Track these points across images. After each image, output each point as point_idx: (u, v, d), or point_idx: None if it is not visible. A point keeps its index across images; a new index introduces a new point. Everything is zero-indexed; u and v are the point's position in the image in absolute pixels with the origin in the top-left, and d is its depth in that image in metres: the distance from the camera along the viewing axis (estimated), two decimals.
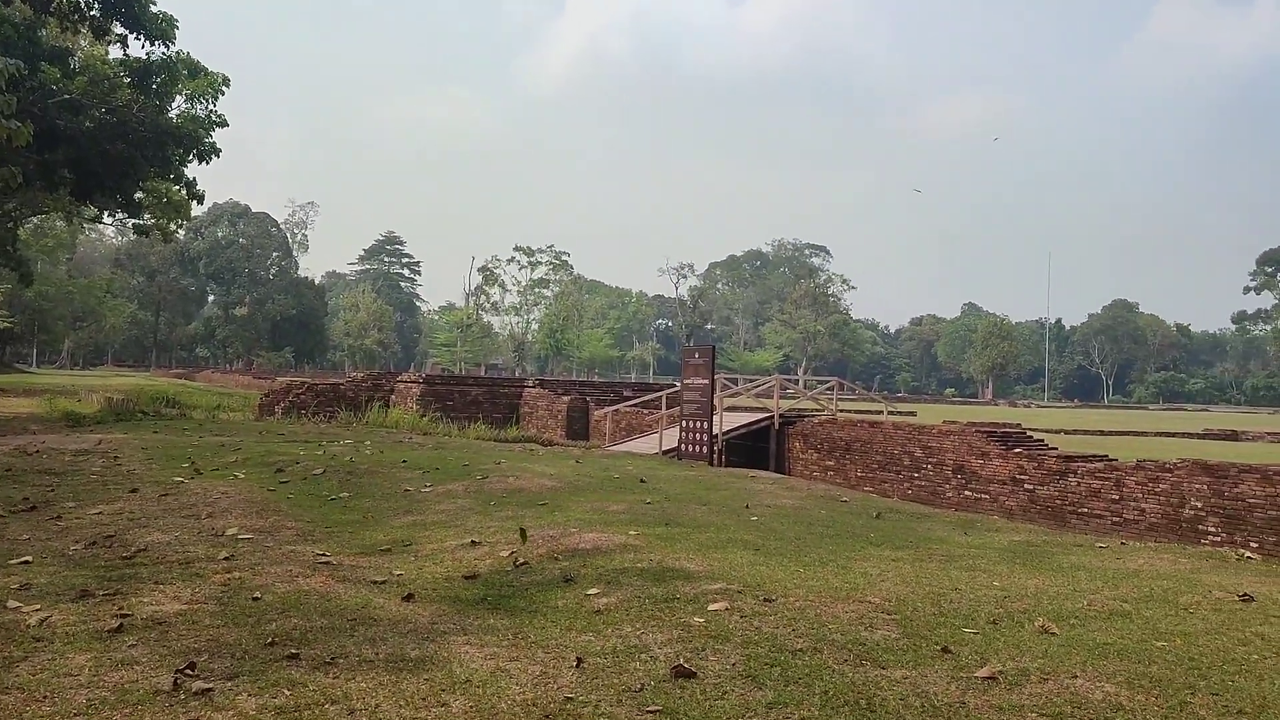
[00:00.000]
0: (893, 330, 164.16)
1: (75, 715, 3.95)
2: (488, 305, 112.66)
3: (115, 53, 24.57)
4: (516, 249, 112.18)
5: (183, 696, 4.17)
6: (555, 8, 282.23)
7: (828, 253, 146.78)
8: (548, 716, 4.07)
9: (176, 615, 5.50)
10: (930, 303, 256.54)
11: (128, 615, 5.42)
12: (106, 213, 33.40)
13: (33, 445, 15.07)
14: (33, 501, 9.97)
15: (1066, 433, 28.47)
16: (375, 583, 6.66)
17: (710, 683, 4.51)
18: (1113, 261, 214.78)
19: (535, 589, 6.62)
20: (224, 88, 25.14)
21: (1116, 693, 4.49)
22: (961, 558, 8.20)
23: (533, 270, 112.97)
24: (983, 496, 15.04)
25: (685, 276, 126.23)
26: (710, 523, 9.56)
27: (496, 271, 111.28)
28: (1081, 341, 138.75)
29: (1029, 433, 16.39)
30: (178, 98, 24.85)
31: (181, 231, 61.86)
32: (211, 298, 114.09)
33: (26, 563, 6.95)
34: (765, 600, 6.09)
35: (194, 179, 26.92)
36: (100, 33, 22.16)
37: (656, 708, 4.16)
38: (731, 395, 23.39)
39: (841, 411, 23.31)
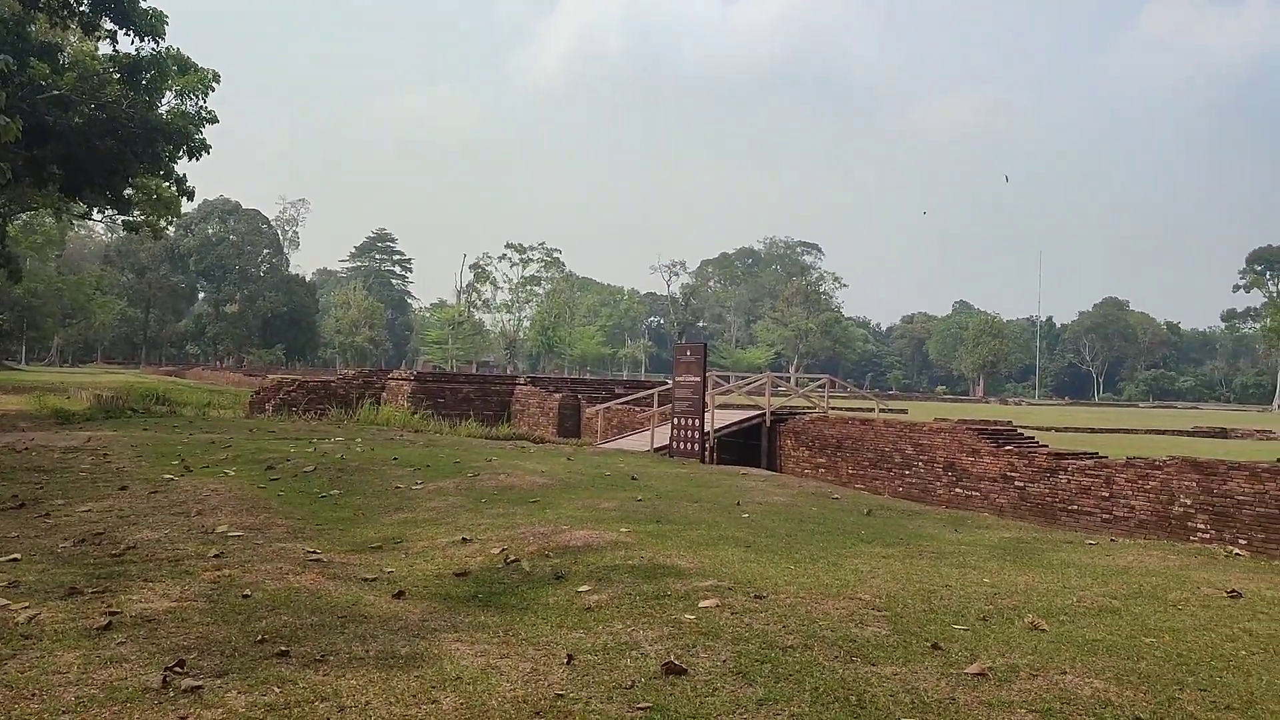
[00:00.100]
0: (884, 328, 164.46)
1: (64, 713, 3.93)
2: (479, 303, 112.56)
3: (104, 48, 24.50)
4: (508, 246, 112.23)
5: (172, 694, 4.16)
6: (548, 5, 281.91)
7: (819, 250, 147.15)
8: (538, 713, 4.07)
9: (166, 613, 5.48)
10: (921, 301, 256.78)
11: (117, 613, 5.40)
12: (96, 209, 33.23)
13: (21, 442, 15.00)
14: (21, 499, 9.94)
15: (1057, 430, 28.57)
16: (366, 580, 6.66)
17: (701, 679, 4.51)
18: (1103, 260, 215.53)
19: (526, 586, 6.62)
20: (214, 84, 25.04)
21: (1105, 689, 4.51)
22: (952, 555, 8.22)
23: (524, 267, 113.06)
24: (973, 494, 15.08)
25: (677, 274, 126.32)
26: (701, 520, 9.57)
27: (488, 269, 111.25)
28: (1072, 339, 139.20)
29: (1019, 430, 16.45)
30: (167, 94, 24.72)
31: (171, 228, 61.56)
32: (202, 295, 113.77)
33: (15, 560, 6.92)
34: (756, 597, 6.10)
35: (184, 175, 26.78)
36: (89, 28, 22.04)
37: (647, 704, 4.16)
38: (723, 393, 23.41)
39: (833, 409, 23.35)
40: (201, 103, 24.96)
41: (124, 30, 22.32)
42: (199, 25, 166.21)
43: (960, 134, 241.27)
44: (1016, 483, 14.38)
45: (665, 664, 4.67)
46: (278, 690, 4.24)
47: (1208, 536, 11.48)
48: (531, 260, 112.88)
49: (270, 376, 49.58)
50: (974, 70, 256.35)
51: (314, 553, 7.56)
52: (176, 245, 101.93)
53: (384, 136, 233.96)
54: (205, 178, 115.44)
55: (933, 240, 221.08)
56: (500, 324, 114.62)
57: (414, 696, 4.24)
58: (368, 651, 4.91)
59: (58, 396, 28.12)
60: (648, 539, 8.13)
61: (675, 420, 20.03)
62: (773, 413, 21.29)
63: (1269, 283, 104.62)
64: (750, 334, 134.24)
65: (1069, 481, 13.53)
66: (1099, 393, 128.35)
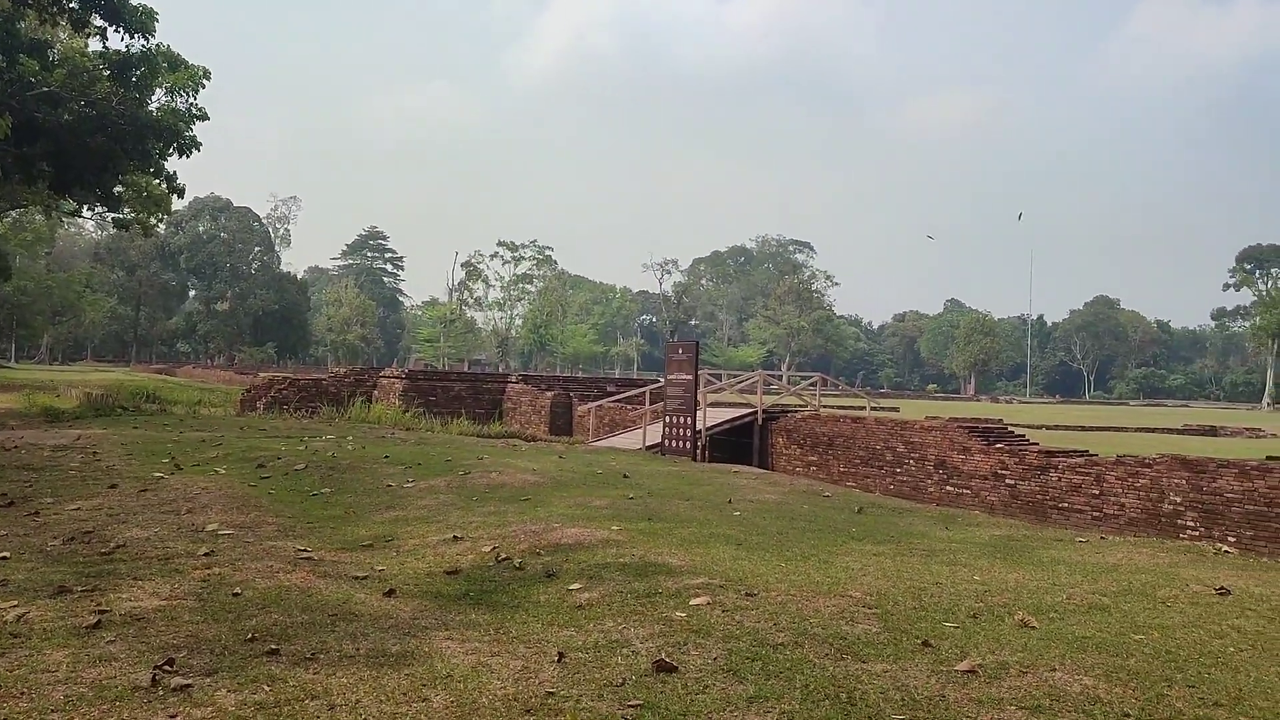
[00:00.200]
0: (876, 326, 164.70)
1: (53, 711, 3.92)
2: (471, 300, 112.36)
3: (94, 45, 24.38)
4: (500, 244, 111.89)
5: (161, 693, 4.15)
6: (541, 3, 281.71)
7: (811, 249, 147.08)
8: (529, 711, 4.07)
9: (155, 611, 5.46)
10: (913, 299, 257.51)
11: (106, 611, 5.39)
12: (86, 206, 33.10)
13: (10, 440, 14.93)
14: (10, 497, 9.89)
15: (1048, 428, 28.63)
16: (356, 578, 6.65)
17: (691, 677, 4.51)
18: (1094, 258, 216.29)
19: (517, 584, 6.62)
20: (204, 81, 24.96)
21: (1095, 685, 4.53)
22: (942, 552, 8.23)
23: (516, 265, 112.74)
24: (964, 492, 15.11)
25: (669, 272, 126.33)
26: (693, 518, 9.58)
27: (480, 267, 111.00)
28: (1063, 338, 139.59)
29: (1010, 428, 16.49)
30: (157, 91, 24.64)
31: (162, 226, 61.29)
32: (193, 292, 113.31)
33: (4, 559, 6.90)
34: (747, 595, 6.11)
35: (174, 173, 26.72)
36: (79, 25, 21.97)
37: (638, 702, 4.17)
38: (715, 391, 23.43)
39: (824, 407, 23.37)
40: (192, 100, 24.89)
41: (114, 27, 22.25)
42: (191, 22, 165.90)
43: (952, 133, 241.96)
44: (1007, 480, 14.42)
45: (656, 662, 4.67)
46: (268, 689, 4.24)
47: (1197, 534, 11.53)
48: (523, 258, 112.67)
49: (261, 374, 49.45)
50: (967, 70, 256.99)
51: (305, 551, 7.54)
52: (167, 243, 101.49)
53: (376, 134, 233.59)
54: (196, 175, 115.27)
55: (924, 239, 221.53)
56: (492, 322, 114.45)
57: (405, 694, 4.24)
58: (358, 650, 4.90)
59: (47, 394, 28.01)
60: (639, 537, 8.13)
61: (667, 418, 20.04)
62: (764, 411, 21.31)
63: (1258, 281, 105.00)
64: (742, 332, 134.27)
65: (1059, 479, 13.57)
66: (1090, 391, 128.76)
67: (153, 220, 32.40)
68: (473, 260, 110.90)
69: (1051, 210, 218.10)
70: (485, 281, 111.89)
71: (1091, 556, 8.34)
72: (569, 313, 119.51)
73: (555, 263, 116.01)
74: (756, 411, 21.25)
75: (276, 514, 9.42)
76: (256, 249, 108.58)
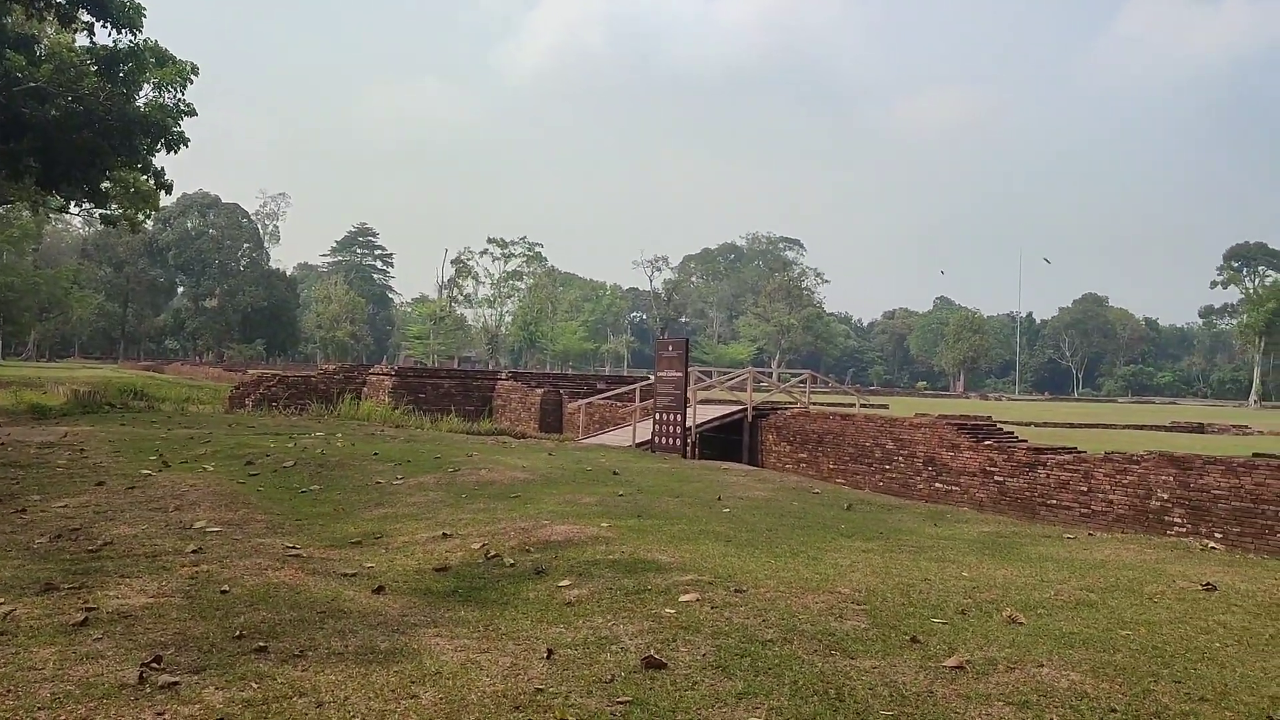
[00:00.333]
0: (866, 324, 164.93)
1: (39, 709, 3.90)
2: (461, 297, 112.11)
3: (82, 40, 24.21)
4: (490, 241, 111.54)
5: (148, 690, 4.13)
6: (531, 0, 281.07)
7: (801, 246, 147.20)
8: (518, 708, 4.07)
9: (143, 608, 5.44)
10: (903, 296, 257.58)
11: (93, 609, 5.36)
12: (73, 202, 32.88)
13: None
14: None
15: (1036, 425, 28.71)
16: (345, 575, 6.63)
17: (681, 673, 4.52)
18: (1083, 256, 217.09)
19: (506, 581, 6.61)
20: (192, 76, 24.80)
21: (1082, 681, 4.55)
22: (931, 549, 8.26)
23: (506, 262, 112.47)
24: (953, 488, 15.16)
25: (660, 269, 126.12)
26: (682, 515, 9.58)
27: (470, 263, 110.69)
28: (1052, 335, 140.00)
29: (999, 425, 16.55)
30: (145, 86, 24.47)
31: (150, 222, 61.03)
32: (181, 289, 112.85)
33: None
34: (736, 591, 6.11)
35: (162, 169, 26.57)
36: (66, 20, 21.83)
37: (627, 698, 4.17)
38: (705, 388, 23.45)
39: (814, 404, 23.41)
40: (180, 95, 24.73)
41: (101, 22, 22.11)
42: (178, 17, 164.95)
43: (942, 132, 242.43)
44: (996, 477, 14.46)
45: (645, 658, 4.67)
46: (256, 686, 4.22)
47: (1184, 530, 11.59)
48: (513, 255, 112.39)
49: (250, 371, 49.34)
50: (956, 69, 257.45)
51: (293, 548, 7.52)
52: (155, 239, 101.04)
53: (365, 130, 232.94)
54: (184, 171, 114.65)
55: (914, 237, 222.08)
56: (482, 319, 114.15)
57: (393, 691, 4.23)
58: (347, 647, 4.89)
59: (34, 391, 27.88)
60: (629, 534, 8.13)
61: (657, 415, 20.04)
62: (754, 408, 21.33)
63: (1246, 279, 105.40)
64: (732, 329, 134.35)
65: (1048, 476, 13.62)
66: (1078, 388, 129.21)
67: (140, 216, 32.23)
68: (462, 257, 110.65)
69: (1040, 209, 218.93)
70: (475, 278, 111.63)
71: (1079, 553, 8.37)
72: (559, 310, 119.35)
73: (545, 260, 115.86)
74: (746, 409, 21.27)
75: (265, 511, 9.39)
76: (245, 245, 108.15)
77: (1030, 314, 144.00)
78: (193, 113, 25.04)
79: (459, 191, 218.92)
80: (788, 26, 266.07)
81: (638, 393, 23.11)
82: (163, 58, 24.22)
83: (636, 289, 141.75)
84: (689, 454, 19.28)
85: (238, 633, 5.02)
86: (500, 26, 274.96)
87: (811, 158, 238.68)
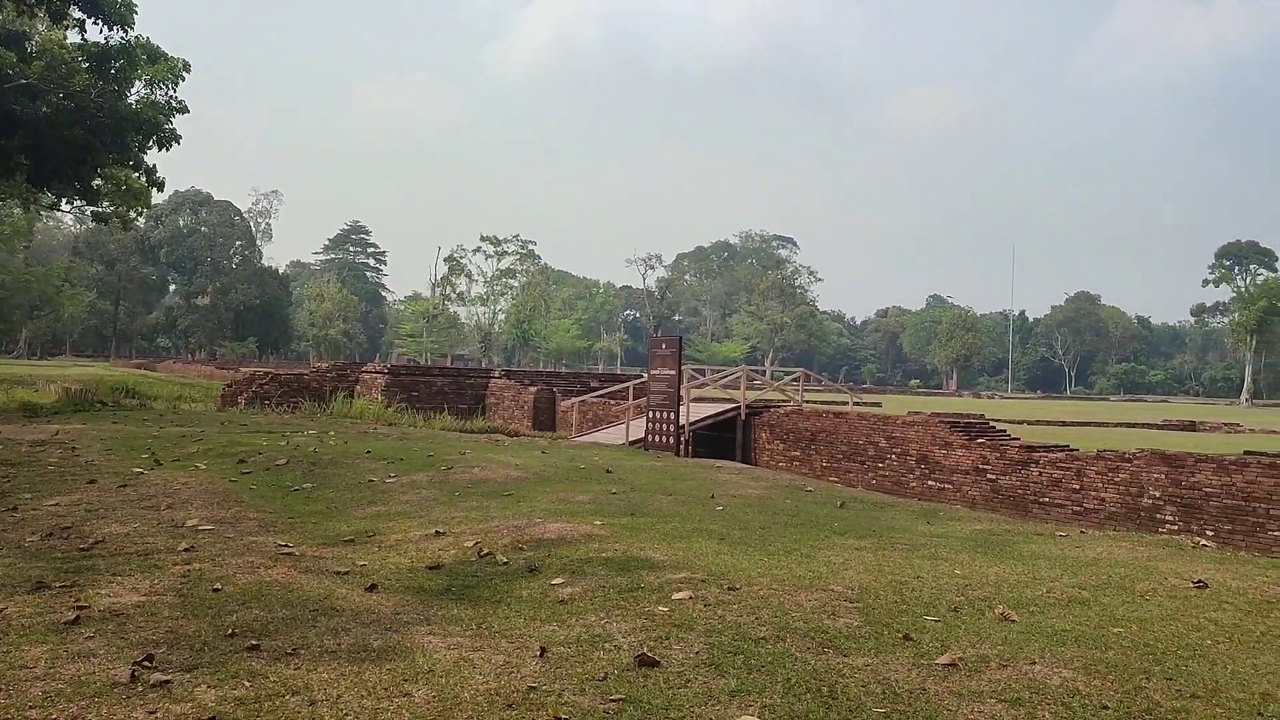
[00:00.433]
0: (859, 322, 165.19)
1: (31, 708, 3.88)
2: (454, 295, 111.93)
3: (73, 37, 24.15)
4: (483, 239, 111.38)
5: (140, 688, 4.12)
6: None
7: (795, 244, 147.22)
8: (511, 706, 4.06)
9: (135, 607, 5.43)
10: (896, 294, 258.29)
11: (85, 607, 5.35)
12: (64, 200, 32.74)
13: None
14: None
15: (1029, 423, 28.79)
16: (338, 573, 6.62)
17: (674, 671, 4.52)
18: (1076, 254, 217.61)
19: (499, 579, 6.61)
20: (184, 73, 24.72)
21: (1074, 678, 4.55)
22: (924, 546, 8.27)
23: (499, 260, 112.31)
24: (946, 486, 15.18)
25: (653, 267, 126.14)
26: (675, 512, 9.58)
27: (463, 261, 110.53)
28: (1044, 333, 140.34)
29: (992, 423, 16.58)
30: (137, 83, 24.40)
31: (141, 219, 60.81)
32: (173, 287, 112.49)
33: None
34: (729, 589, 6.11)
35: (154, 166, 26.46)
36: (57, 16, 21.75)
37: (620, 696, 4.16)
38: (698, 386, 23.45)
39: (807, 402, 23.43)
40: (171, 92, 24.66)
41: (92, 19, 22.04)
42: (171, 14, 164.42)
43: (936, 129, 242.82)
44: (988, 475, 14.49)
45: (638, 656, 4.67)
46: (248, 684, 4.21)
47: (1176, 528, 11.62)
48: (507, 253, 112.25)
49: (242, 369, 49.26)
50: (949, 67, 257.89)
51: (286, 546, 7.51)
52: (147, 237, 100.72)
53: (358, 128, 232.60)
54: (176, 169, 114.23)
55: (908, 235, 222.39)
56: (475, 317, 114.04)
57: (386, 689, 4.22)
58: (339, 645, 4.88)
59: (25, 389, 27.79)
60: (622, 532, 8.13)
61: (650, 413, 20.04)
62: (748, 406, 21.34)
63: (1237, 278, 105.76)
64: (726, 327, 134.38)
65: (1040, 474, 13.65)
66: (1071, 386, 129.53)
67: (132, 214, 32.07)
68: (456, 255, 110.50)
69: (1033, 207, 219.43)
70: (468, 276, 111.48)
71: (1071, 551, 8.39)
72: (552, 308, 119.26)
73: (539, 258, 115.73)
74: (740, 407, 21.28)
75: (257, 509, 9.37)
76: (237, 243, 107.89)
77: (1023, 312, 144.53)
78: (184, 110, 24.97)
79: (452, 189, 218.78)
80: (782, 25, 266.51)
81: (631, 391, 23.11)
82: (154, 54, 24.14)
83: (630, 287, 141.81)
84: (682, 452, 19.28)
85: (230, 631, 5.01)
86: (493, 23, 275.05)
87: (805, 156, 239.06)
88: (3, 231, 58.51)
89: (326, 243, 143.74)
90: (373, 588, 6.21)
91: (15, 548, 7.20)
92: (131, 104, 24.10)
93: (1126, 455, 12.65)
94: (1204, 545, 9.62)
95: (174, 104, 24.69)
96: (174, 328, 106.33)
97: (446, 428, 22.04)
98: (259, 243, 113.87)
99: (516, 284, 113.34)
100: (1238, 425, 33.23)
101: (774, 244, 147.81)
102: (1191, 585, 6.78)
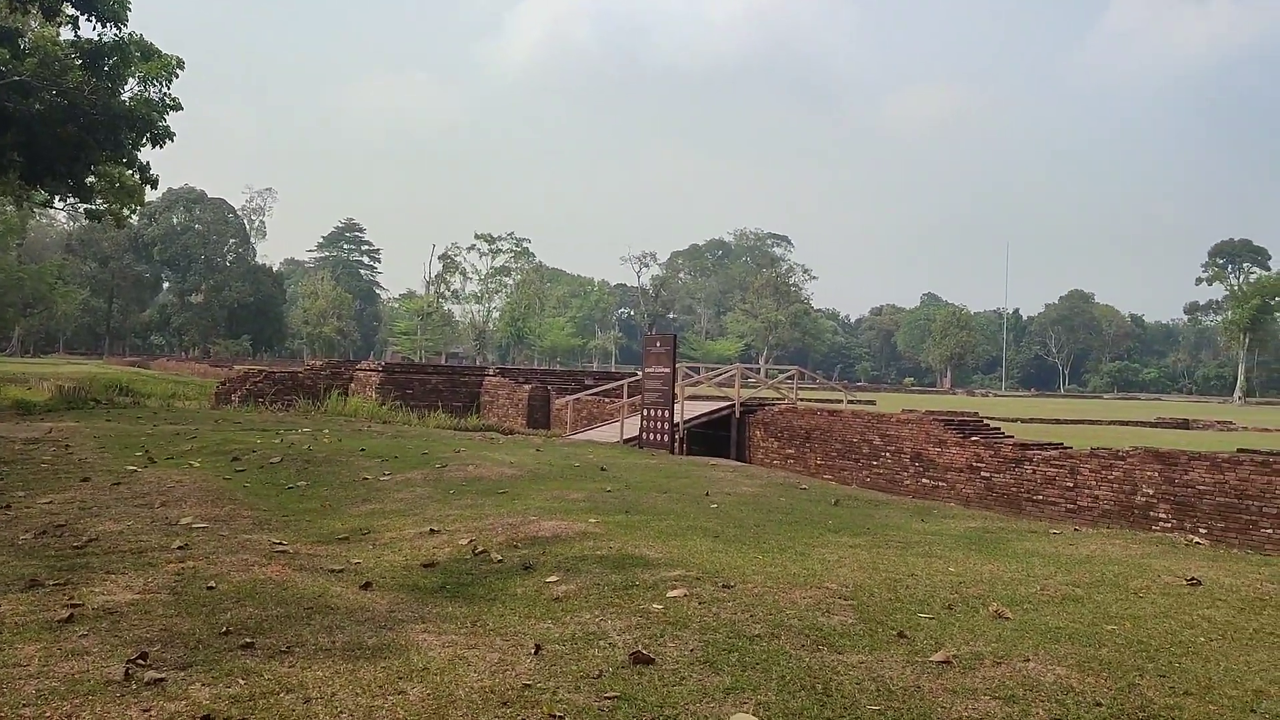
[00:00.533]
0: (853, 320, 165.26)
1: (24, 706, 3.88)
2: (448, 293, 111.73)
3: (66, 34, 24.06)
4: (478, 236, 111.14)
5: (134, 687, 4.11)
6: None
7: (789, 242, 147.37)
8: (505, 704, 4.07)
9: (128, 605, 5.42)
10: (890, 293, 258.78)
11: (78, 605, 5.33)
12: (57, 197, 32.64)
13: None
14: None
15: (1023, 421, 28.86)
16: (333, 571, 6.62)
17: (668, 669, 4.52)
18: (1070, 253, 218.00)
19: (494, 577, 6.61)
20: (178, 70, 24.65)
21: (1067, 675, 4.57)
22: (918, 544, 8.28)
23: (494, 258, 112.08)
24: (940, 484, 15.20)
25: (647, 265, 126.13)
26: (670, 510, 9.59)
27: (457, 259, 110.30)
28: (1038, 331, 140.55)
29: (986, 421, 16.59)
30: (130, 80, 24.32)
31: (135, 217, 60.67)
32: (166, 285, 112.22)
33: None
34: (724, 587, 6.12)
35: (147, 163, 26.36)
36: (51, 13, 21.66)
37: (614, 694, 4.17)
38: (693, 384, 23.45)
39: (802, 400, 23.45)
40: (165, 89, 24.58)
41: (86, 16, 21.95)
42: (165, 11, 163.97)
43: (931, 127, 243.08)
44: (982, 473, 14.51)
45: (633, 654, 4.67)
46: (242, 682, 4.21)
47: (1169, 525, 11.65)
48: (501, 251, 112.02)
49: (236, 367, 49.15)
50: (946, 65, 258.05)
51: (280, 544, 7.50)
52: (140, 234, 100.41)
53: (352, 126, 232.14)
54: (170, 166, 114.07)
55: (902, 233, 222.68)
56: (469, 315, 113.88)
57: (381, 687, 4.22)
58: (334, 642, 4.88)
59: (18, 387, 27.73)
60: (616, 530, 8.13)
61: (645, 411, 20.05)
62: (742, 404, 21.35)
63: (1230, 276, 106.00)
64: (720, 325, 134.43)
65: (1034, 472, 13.67)
66: (1064, 384, 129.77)
67: (125, 211, 31.99)
68: (450, 253, 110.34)
69: (1028, 205, 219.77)
70: (463, 274, 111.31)
71: (1065, 548, 8.41)
72: (547, 306, 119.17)
73: (533, 255, 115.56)
74: (734, 405, 21.29)
75: (252, 507, 9.36)
76: (231, 241, 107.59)
77: (1017, 310, 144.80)
78: (178, 107, 24.90)
79: (446, 187, 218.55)
80: (778, 23, 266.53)
81: (625, 389, 23.10)
82: (148, 52, 24.07)
83: (624, 285, 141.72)
84: (677, 450, 19.29)
85: (224, 629, 5.00)
86: (487, 21, 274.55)
87: (801, 154, 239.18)
88: None
89: (320, 240, 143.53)
90: (367, 585, 6.20)
91: (9, 546, 7.18)
92: (125, 101, 24.02)
93: (1120, 453, 12.68)
94: (1197, 543, 9.65)
95: (168, 101, 24.62)
96: (168, 325, 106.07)
97: (441, 426, 22.03)
98: (253, 240, 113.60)
99: (511, 282, 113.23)
100: (1231, 423, 33.35)
101: (769, 242, 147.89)
102: (1185, 583, 6.80)
